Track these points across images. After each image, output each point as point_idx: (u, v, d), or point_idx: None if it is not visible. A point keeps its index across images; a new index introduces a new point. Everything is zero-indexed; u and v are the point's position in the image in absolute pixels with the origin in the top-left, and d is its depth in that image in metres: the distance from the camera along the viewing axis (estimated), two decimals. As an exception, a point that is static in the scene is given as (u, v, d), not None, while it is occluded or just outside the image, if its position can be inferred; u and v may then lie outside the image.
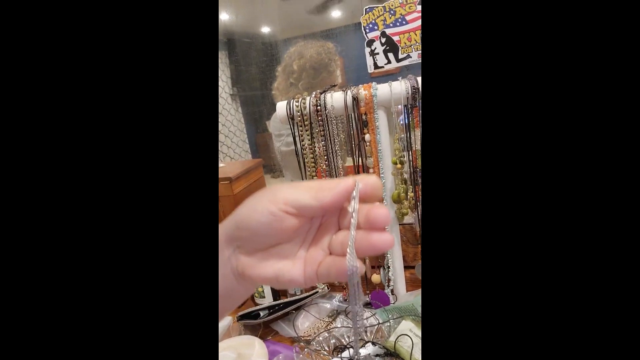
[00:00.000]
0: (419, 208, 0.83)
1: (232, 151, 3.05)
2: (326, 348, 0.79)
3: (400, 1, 0.92)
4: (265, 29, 1.03)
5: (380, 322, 0.82)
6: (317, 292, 0.93)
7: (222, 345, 0.80)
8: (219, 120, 2.81)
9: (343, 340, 0.81)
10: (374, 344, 0.79)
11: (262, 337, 0.84)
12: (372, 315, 0.84)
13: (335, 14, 1.01)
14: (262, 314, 0.90)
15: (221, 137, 2.89)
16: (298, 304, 0.90)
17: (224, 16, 1.04)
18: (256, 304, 0.96)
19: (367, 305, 0.90)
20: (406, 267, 0.91)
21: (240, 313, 0.91)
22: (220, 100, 2.76)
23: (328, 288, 0.94)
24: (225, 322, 0.93)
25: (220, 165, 1.20)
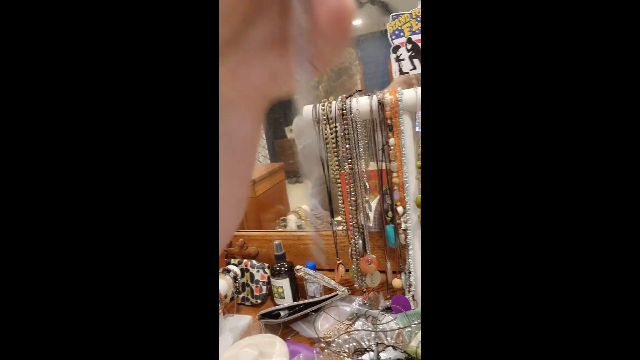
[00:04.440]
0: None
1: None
2: (346, 350, 0.79)
3: (427, 9, 0.92)
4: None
5: (400, 326, 0.82)
6: (337, 294, 0.93)
7: (244, 342, 0.81)
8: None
9: (363, 344, 0.81)
10: (394, 348, 0.78)
11: (282, 337, 0.84)
12: (392, 320, 0.84)
13: (356, 22, 1.02)
14: (282, 314, 0.90)
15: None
16: (318, 306, 0.91)
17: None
18: (276, 304, 0.97)
19: (388, 309, 0.89)
20: (427, 273, 0.90)
21: (262, 312, 0.91)
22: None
23: (349, 291, 0.94)
24: (245, 321, 0.94)
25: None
